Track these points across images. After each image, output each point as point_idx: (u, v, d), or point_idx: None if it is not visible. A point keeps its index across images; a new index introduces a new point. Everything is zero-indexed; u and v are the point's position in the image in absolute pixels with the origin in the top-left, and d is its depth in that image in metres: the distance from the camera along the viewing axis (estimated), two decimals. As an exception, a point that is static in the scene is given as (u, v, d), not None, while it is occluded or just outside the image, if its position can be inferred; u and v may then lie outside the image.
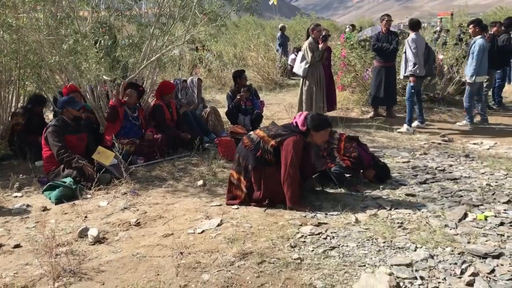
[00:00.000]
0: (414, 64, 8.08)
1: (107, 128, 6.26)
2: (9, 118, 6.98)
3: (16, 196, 5.01)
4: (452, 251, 3.37)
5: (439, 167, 5.76)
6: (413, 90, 8.32)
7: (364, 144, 5.58)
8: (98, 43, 6.02)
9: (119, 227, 4.06)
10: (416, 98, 8.43)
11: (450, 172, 5.53)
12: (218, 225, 3.97)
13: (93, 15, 6.38)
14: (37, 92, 7.38)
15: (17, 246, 3.74)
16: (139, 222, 4.13)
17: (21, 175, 5.69)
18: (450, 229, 3.81)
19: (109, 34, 6.11)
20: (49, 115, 8.19)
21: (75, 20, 6.03)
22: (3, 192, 5.10)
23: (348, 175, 5.14)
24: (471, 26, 8.42)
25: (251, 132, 4.72)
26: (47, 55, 6.35)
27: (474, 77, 8.08)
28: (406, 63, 8.26)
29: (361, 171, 5.26)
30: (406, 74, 8.33)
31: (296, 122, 4.57)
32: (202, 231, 3.85)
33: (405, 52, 8.32)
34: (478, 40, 8.11)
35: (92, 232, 3.81)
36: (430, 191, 4.81)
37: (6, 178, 5.51)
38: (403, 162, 6.05)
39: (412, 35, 8.25)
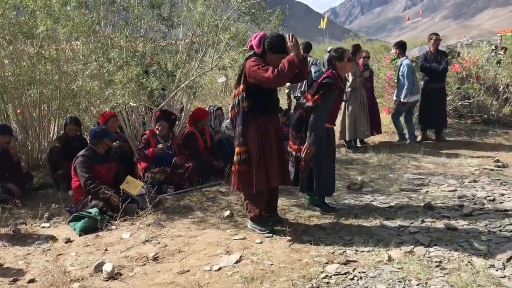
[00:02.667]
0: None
1: (138, 158, 6.21)
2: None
3: (43, 227, 5.00)
4: (496, 297, 2.94)
5: (488, 196, 5.26)
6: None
7: None
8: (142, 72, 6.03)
9: (136, 262, 3.90)
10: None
11: (501, 203, 5.03)
12: (237, 261, 3.73)
13: (128, 44, 6.42)
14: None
15: (32, 281, 3.65)
16: (157, 257, 3.96)
17: (53, 204, 5.71)
18: (496, 270, 3.38)
19: (142, 62, 6.10)
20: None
21: (109, 49, 6.08)
22: (32, 222, 5.10)
23: None
24: (393, 48, 8.81)
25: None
26: (86, 85, 6.43)
27: (407, 97, 8.32)
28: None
29: None
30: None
31: (251, 46, 4.31)
32: (219, 268, 3.62)
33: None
34: (405, 61, 8.42)
35: (107, 268, 3.67)
36: (475, 225, 4.35)
37: (39, 208, 5.54)
38: (449, 191, 5.58)
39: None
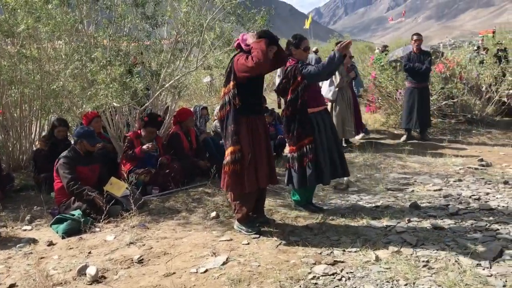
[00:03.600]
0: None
1: (123, 159, 6.11)
2: (33, 147, 7.00)
3: (25, 230, 4.88)
4: (484, 297, 2.94)
5: (474, 195, 5.29)
6: None
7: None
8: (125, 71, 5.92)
9: (120, 265, 3.82)
10: None
11: (486, 202, 5.06)
12: (224, 263, 3.67)
13: (111, 43, 6.32)
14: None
15: (13, 285, 3.56)
16: (142, 259, 3.89)
17: (35, 206, 5.59)
18: (483, 269, 3.38)
19: (125, 61, 6.01)
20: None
21: (92, 48, 5.97)
22: (13, 224, 4.98)
23: None
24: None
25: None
26: (68, 84, 6.31)
27: None
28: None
29: None
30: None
31: (238, 44, 4.32)
32: (206, 270, 3.56)
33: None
34: None
35: (90, 271, 3.59)
36: (462, 224, 4.36)
37: (20, 210, 5.41)
38: (435, 190, 5.60)
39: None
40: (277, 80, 8.26)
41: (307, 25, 28.74)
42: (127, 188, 5.18)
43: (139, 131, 6.21)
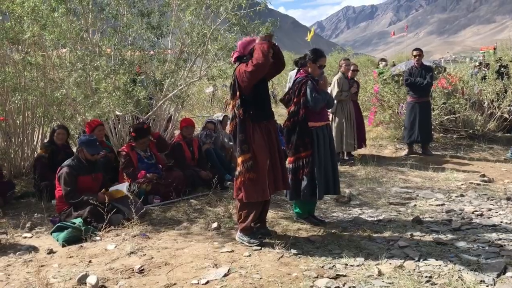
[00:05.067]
0: None
1: (121, 174, 6.04)
2: (35, 154, 6.98)
3: (25, 237, 4.85)
4: (488, 314, 2.91)
5: (476, 211, 5.26)
6: None
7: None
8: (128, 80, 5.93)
9: (121, 274, 3.79)
10: None
11: (489, 217, 5.04)
12: (225, 275, 3.65)
13: (116, 52, 6.35)
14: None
15: (12, 294, 3.53)
16: (143, 269, 3.86)
17: (35, 214, 5.56)
18: (487, 286, 3.37)
19: (130, 70, 6.03)
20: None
21: (96, 56, 6.00)
22: (13, 231, 4.95)
23: None
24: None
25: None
26: (72, 92, 6.32)
27: None
28: None
29: None
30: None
31: (236, 57, 4.33)
32: (207, 282, 3.54)
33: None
34: None
35: (91, 280, 3.57)
36: (464, 240, 4.34)
37: (21, 217, 5.38)
38: (437, 205, 5.58)
39: None
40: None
41: (309, 38, 28.83)
42: (129, 199, 5.13)
43: (132, 143, 6.16)
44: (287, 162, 4.82)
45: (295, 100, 4.70)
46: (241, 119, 4.21)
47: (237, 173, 4.30)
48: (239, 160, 4.25)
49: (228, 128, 4.51)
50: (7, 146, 7.06)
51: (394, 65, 13.18)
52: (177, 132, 7.46)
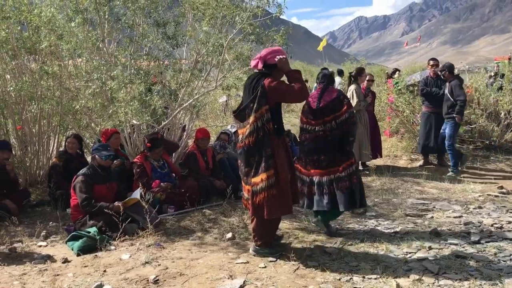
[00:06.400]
0: None
1: (136, 184, 6.03)
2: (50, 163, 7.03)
3: (40, 246, 4.86)
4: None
5: (495, 223, 5.16)
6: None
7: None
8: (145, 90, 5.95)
9: (136, 285, 3.77)
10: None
11: (509, 230, 4.92)
12: (241, 286, 3.60)
13: (132, 62, 6.38)
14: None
15: (28, 302, 3.52)
16: (158, 280, 3.83)
17: (50, 222, 5.59)
18: (509, 302, 3.27)
19: (145, 80, 6.05)
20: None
21: (112, 66, 6.03)
22: (29, 240, 4.96)
23: None
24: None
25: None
26: (88, 102, 6.35)
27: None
28: None
29: None
30: None
31: (257, 64, 4.25)
32: (223, 293, 3.50)
33: None
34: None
35: (106, 290, 3.55)
36: (484, 253, 4.25)
37: (36, 226, 5.40)
38: (454, 217, 5.48)
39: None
40: None
41: (320, 47, 28.88)
42: (141, 195, 5.12)
43: (146, 153, 6.17)
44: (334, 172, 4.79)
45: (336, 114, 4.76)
46: (269, 133, 4.10)
47: (256, 189, 4.13)
48: (263, 175, 4.08)
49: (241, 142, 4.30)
50: (23, 154, 7.12)
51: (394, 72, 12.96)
52: (190, 142, 7.48)
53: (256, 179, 4.12)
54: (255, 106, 4.08)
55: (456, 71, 9.02)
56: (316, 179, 4.80)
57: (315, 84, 8.65)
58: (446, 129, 8.19)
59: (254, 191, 4.15)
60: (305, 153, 4.93)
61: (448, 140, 8.11)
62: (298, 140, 5.19)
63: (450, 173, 8.05)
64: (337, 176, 4.72)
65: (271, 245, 4.36)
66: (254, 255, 4.32)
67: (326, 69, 5.33)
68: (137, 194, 5.25)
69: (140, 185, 5.32)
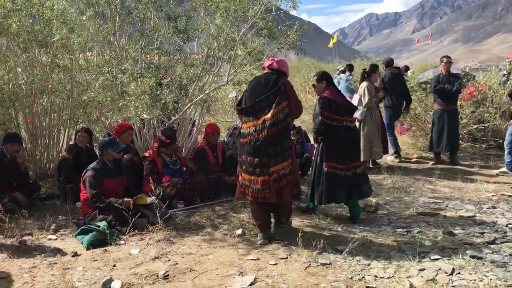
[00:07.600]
0: None
1: (146, 179, 6.00)
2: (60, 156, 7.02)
3: (50, 239, 4.85)
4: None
5: (510, 224, 5.07)
6: None
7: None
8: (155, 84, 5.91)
9: (145, 280, 3.74)
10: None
11: (524, 231, 4.83)
12: (252, 283, 3.56)
13: (143, 55, 6.35)
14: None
15: (37, 296, 3.51)
16: (167, 275, 3.80)
17: (60, 216, 5.58)
18: (526, 304, 3.20)
19: (156, 74, 6.00)
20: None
21: (123, 60, 6.01)
22: (39, 233, 4.96)
23: None
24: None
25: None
26: (98, 95, 6.32)
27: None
28: None
29: None
30: None
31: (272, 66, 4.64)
32: (233, 290, 3.46)
33: None
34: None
35: (115, 285, 3.54)
36: (499, 254, 4.17)
37: (46, 219, 5.40)
38: (468, 217, 5.39)
39: None
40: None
41: (331, 44, 28.76)
42: (154, 204, 5.09)
43: (159, 149, 6.12)
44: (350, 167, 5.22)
45: None
46: (287, 126, 4.51)
47: (279, 175, 4.44)
48: (285, 163, 4.44)
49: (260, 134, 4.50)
50: (33, 147, 7.12)
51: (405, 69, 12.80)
52: (200, 137, 7.44)
53: (277, 167, 4.43)
54: (277, 99, 4.40)
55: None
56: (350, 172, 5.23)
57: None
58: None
59: (275, 178, 4.42)
60: (342, 149, 5.20)
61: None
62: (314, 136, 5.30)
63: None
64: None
65: (265, 232, 4.61)
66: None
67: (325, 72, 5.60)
68: (150, 200, 5.19)
69: (151, 181, 5.29)
